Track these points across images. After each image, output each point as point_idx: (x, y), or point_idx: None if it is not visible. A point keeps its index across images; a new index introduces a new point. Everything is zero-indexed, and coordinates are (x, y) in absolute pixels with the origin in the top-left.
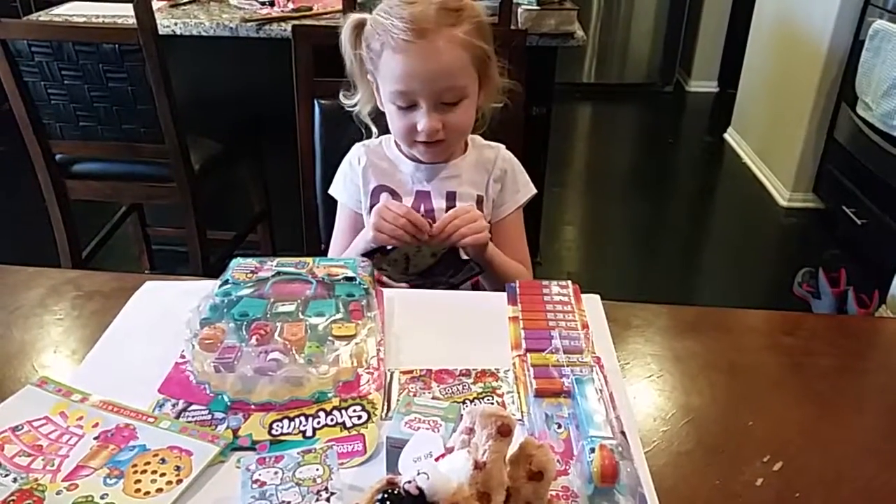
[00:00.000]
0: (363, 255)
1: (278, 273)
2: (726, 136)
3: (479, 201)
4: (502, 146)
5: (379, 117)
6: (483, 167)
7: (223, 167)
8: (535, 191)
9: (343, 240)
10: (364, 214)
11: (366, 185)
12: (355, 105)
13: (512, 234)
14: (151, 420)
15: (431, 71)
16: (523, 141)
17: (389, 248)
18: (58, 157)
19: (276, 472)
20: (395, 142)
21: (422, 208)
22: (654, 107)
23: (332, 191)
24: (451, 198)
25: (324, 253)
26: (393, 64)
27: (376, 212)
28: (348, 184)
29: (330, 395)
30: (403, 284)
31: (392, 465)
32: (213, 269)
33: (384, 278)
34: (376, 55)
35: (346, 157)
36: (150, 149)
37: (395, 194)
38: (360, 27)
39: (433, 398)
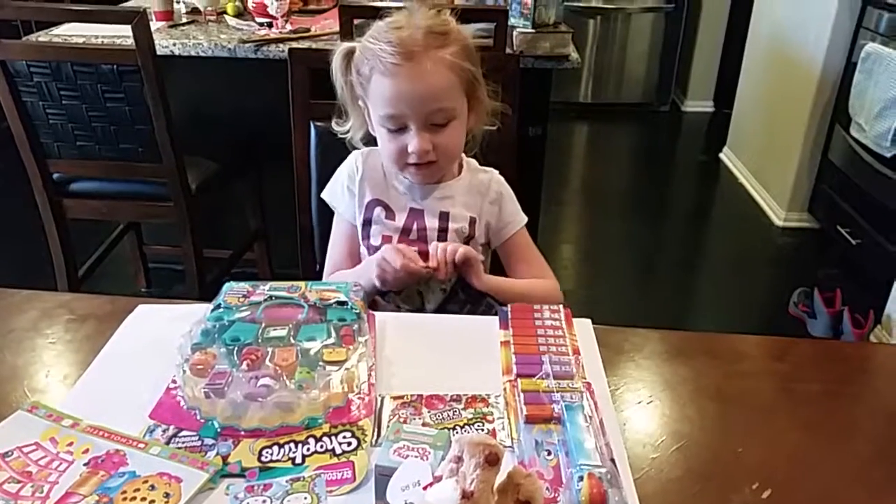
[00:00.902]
0: (379, 293)
1: (270, 297)
2: (722, 155)
3: (472, 223)
4: (496, 171)
5: (371, 143)
6: (477, 190)
7: (220, 186)
8: (526, 217)
9: (340, 250)
10: (359, 227)
11: (361, 196)
12: (347, 132)
13: (524, 248)
14: (142, 446)
15: (419, 92)
16: (518, 161)
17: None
18: (55, 176)
19: (264, 501)
20: None
21: (415, 226)
22: (650, 127)
23: (325, 195)
24: (444, 218)
25: (319, 274)
26: (382, 87)
27: (378, 265)
28: (346, 193)
29: (320, 420)
30: None
31: (381, 494)
32: (209, 287)
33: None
34: (366, 80)
35: (344, 165)
36: (147, 168)
37: (388, 209)
38: (350, 55)
39: (423, 424)
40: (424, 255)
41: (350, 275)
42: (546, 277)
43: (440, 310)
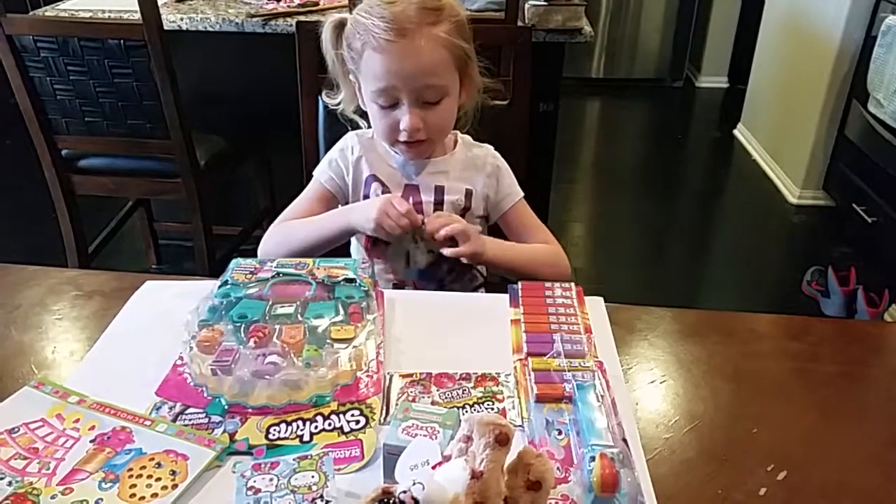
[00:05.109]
0: (367, 248)
1: (278, 274)
2: (736, 132)
3: (469, 194)
4: (490, 146)
5: (363, 115)
6: (472, 164)
7: (229, 163)
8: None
9: (305, 206)
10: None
11: (358, 174)
12: (338, 104)
13: (525, 217)
14: (148, 423)
15: (413, 69)
16: (530, 137)
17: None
18: (64, 152)
19: (271, 479)
20: None
21: (410, 201)
22: (664, 102)
23: (315, 171)
24: (439, 192)
25: (328, 251)
26: (374, 63)
27: (381, 208)
28: (334, 166)
29: (328, 398)
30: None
31: (389, 472)
32: (219, 264)
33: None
34: (357, 55)
35: (338, 144)
36: (155, 144)
37: (384, 185)
38: (340, 27)
39: (432, 402)
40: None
41: (320, 218)
42: (550, 243)
43: (427, 272)
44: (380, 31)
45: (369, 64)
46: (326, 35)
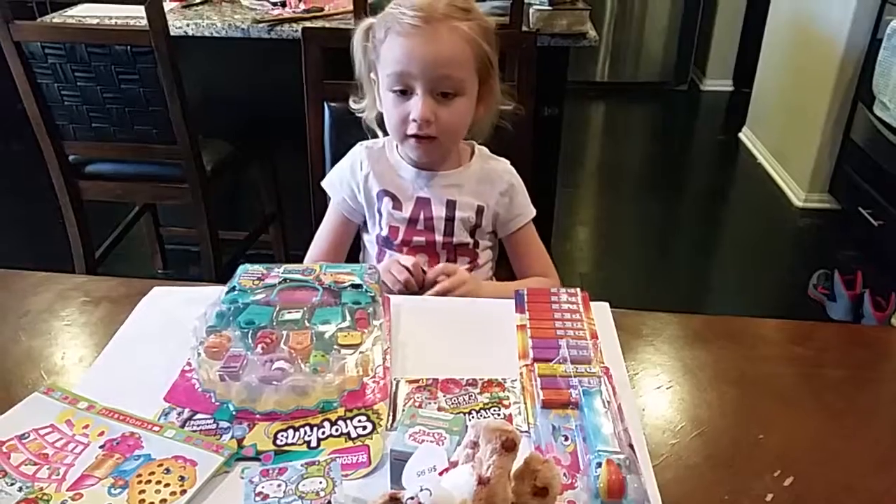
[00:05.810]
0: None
1: (285, 280)
2: (741, 135)
3: (480, 212)
4: (507, 161)
5: (383, 125)
6: (487, 179)
7: (235, 168)
8: (534, 211)
9: (327, 239)
10: (369, 219)
11: (369, 192)
12: (363, 110)
13: (529, 242)
14: (157, 429)
15: (433, 56)
16: (534, 142)
17: None
18: (71, 157)
19: (279, 485)
20: (398, 145)
21: (421, 215)
22: (668, 106)
23: (325, 184)
24: (450, 206)
25: None
26: (394, 46)
27: (384, 269)
28: (344, 186)
29: (335, 404)
30: None
31: (396, 478)
32: (226, 269)
33: None
34: (379, 42)
35: (348, 157)
36: (162, 150)
37: (395, 199)
38: (370, 27)
39: (439, 408)
40: (431, 246)
41: None
42: (548, 275)
43: None
44: (406, 18)
45: (389, 48)
46: (357, 36)
